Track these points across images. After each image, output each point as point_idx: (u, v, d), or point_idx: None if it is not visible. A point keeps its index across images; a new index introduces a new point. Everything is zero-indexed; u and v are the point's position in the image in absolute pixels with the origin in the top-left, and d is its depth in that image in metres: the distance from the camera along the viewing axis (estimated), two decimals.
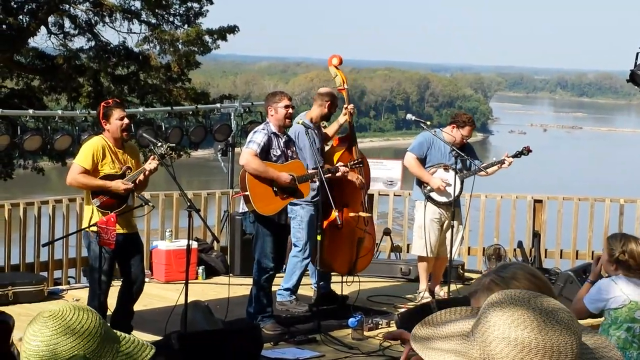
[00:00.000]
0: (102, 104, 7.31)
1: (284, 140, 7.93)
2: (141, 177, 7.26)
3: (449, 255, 8.92)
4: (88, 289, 7.64)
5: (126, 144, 7.42)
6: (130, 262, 7.40)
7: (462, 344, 1.95)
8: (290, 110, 7.91)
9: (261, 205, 7.73)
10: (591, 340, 2.00)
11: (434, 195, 8.92)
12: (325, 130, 8.93)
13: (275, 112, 7.90)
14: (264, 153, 7.76)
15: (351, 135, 8.86)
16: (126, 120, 7.24)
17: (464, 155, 8.78)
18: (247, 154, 7.75)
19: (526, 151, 9.22)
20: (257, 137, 7.80)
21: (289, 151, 7.94)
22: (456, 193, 8.84)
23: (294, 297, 8.60)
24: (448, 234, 8.98)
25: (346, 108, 8.78)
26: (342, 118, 8.85)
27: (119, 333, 2.32)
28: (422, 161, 9.00)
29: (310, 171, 8.00)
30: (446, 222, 9.01)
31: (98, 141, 7.24)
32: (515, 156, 9.13)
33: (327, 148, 8.87)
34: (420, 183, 9.02)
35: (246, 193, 7.67)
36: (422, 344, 2.02)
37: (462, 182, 8.92)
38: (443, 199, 8.91)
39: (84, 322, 2.21)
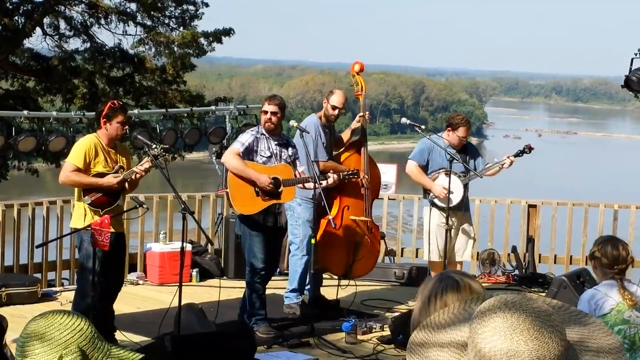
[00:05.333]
0: (109, 103, 7.22)
1: (277, 142, 7.92)
2: (133, 176, 7.25)
3: (460, 259, 9.01)
4: (75, 289, 7.59)
5: (118, 143, 7.42)
6: (115, 264, 7.40)
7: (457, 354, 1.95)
8: (269, 116, 7.83)
9: (239, 204, 7.77)
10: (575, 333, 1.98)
11: (437, 201, 8.91)
12: (342, 135, 8.98)
13: (261, 115, 8.00)
14: (250, 153, 7.78)
15: (362, 141, 8.92)
16: (126, 127, 7.32)
17: (458, 159, 8.77)
18: (229, 152, 7.85)
19: (528, 149, 9.14)
20: (242, 137, 7.87)
21: (283, 153, 7.93)
22: (459, 197, 8.82)
23: (301, 298, 8.60)
24: (460, 239, 9.00)
25: (361, 116, 8.85)
26: (355, 124, 8.92)
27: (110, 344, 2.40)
28: (425, 167, 8.99)
29: (300, 175, 7.97)
30: (454, 227, 9.00)
31: (91, 140, 7.22)
32: (517, 155, 9.07)
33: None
34: (425, 189, 9.03)
35: (226, 190, 7.73)
36: (419, 354, 2.01)
37: (465, 186, 8.90)
38: (445, 204, 8.87)
39: (74, 320, 2.31)
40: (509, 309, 1.86)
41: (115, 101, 7.35)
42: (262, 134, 7.85)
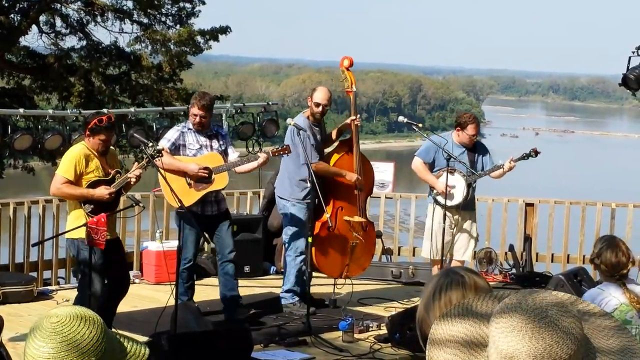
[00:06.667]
0: (96, 119, 7.07)
1: (206, 134, 8.07)
2: (128, 181, 7.21)
3: (460, 257, 9.01)
4: (77, 293, 7.53)
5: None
6: (117, 265, 7.36)
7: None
8: (198, 119, 8.01)
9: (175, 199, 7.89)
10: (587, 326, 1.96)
11: (439, 198, 8.89)
12: (331, 133, 8.94)
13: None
14: (178, 148, 8.00)
15: (355, 140, 8.81)
16: (108, 145, 7.23)
17: (456, 158, 8.74)
18: None
19: (534, 153, 9.08)
20: (168, 134, 8.16)
21: (214, 144, 8.08)
22: (461, 195, 8.80)
23: (296, 298, 8.58)
24: (462, 238, 9.00)
25: (352, 119, 8.72)
26: (344, 127, 8.83)
27: (116, 334, 2.29)
28: (431, 165, 8.97)
29: (230, 162, 8.06)
30: (456, 226, 9.00)
31: (81, 150, 7.11)
32: (522, 158, 9.05)
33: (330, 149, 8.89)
34: (430, 187, 9.02)
35: (158, 189, 7.90)
36: (436, 350, 1.99)
37: (469, 185, 8.87)
38: (448, 202, 8.85)
39: (86, 335, 2.16)
40: (526, 310, 1.85)
41: (104, 118, 7.13)
42: (188, 128, 8.07)
